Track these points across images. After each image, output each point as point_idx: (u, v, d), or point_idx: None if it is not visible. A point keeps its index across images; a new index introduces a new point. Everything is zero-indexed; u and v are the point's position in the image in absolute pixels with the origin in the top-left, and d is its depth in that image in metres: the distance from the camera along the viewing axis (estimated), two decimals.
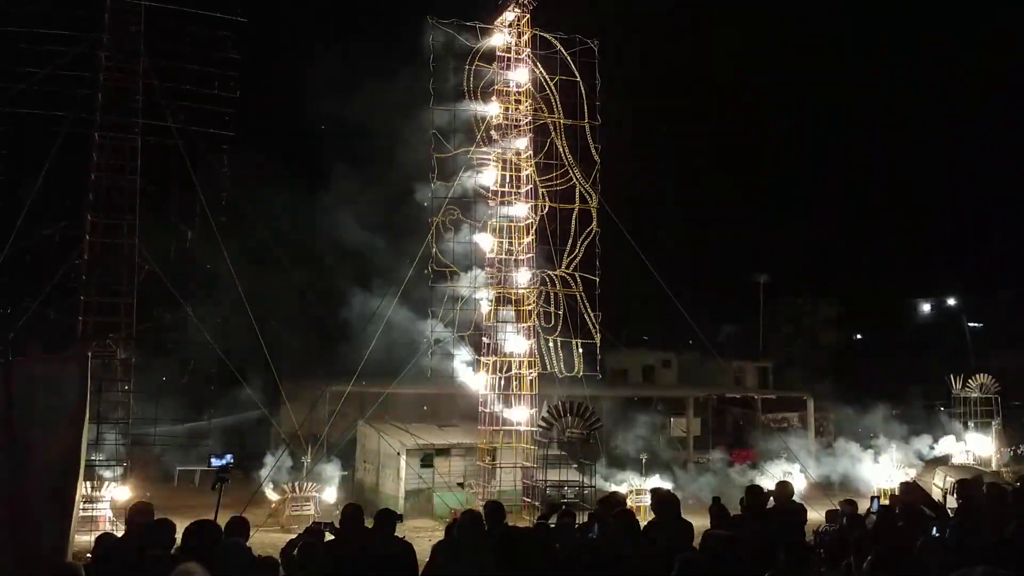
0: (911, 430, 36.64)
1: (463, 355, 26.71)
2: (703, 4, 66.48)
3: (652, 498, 9.10)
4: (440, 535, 8.54)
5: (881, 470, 29.85)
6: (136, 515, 8.14)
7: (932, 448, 35.92)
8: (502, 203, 26.58)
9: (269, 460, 25.55)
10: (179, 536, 7.18)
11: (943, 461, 32.58)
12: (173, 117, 24.41)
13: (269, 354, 23.87)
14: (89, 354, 9.66)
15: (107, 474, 22.93)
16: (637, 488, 25.79)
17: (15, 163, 25.53)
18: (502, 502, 9.64)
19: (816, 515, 12.82)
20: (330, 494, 25.07)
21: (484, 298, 26.53)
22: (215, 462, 16.59)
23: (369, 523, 8.23)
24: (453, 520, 10.75)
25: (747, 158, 64.54)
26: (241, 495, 24.12)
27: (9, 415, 7.00)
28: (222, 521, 7.43)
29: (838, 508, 12.68)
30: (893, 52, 71.44)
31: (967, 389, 36.48)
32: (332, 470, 26.52)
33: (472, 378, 26.71)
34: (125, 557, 7.15)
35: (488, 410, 25.96)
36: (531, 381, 26.21)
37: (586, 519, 11.04)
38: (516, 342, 26.31)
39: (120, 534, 10.10)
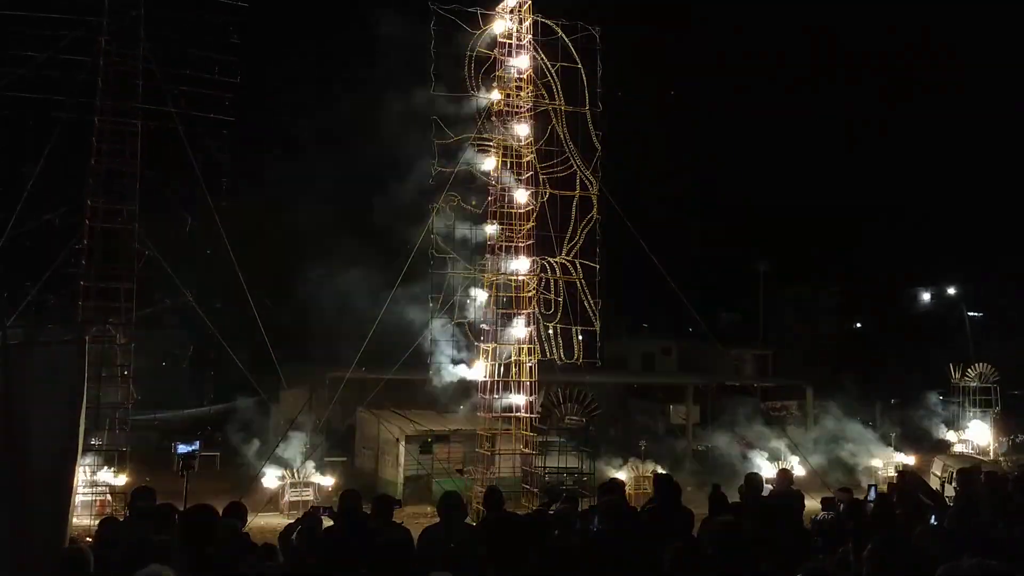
0: (910, 418, 36.70)
1: (462, 342, 26.70)
2: None
3: (656, 482, 9.14)
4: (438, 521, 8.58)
5: (879, 458, 29.91)
6: (139, 499, 8.18)
7: (931, 437, 36.00)
8: (503, 190, 26.52)
9: (269, 445, 25.61)
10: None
11: (942, 450, 32.64)
12: (173, 102, 24.35)
13: (268, 339, 23.90)
14: (87, 338, 9.66)
15: (106, 459, 23.00)
16: (636, 475, 25.88)
17: (15, 148, 25.49)
18: (501, 489, 9.67)
19: (814, 503, 12.85)
20: (328, 480, 25.16)
21: (484, 285, 26.49)
22: (181, 448, 16.63)
23: (367, 509, 8.26)
24: None
25: (747, 146, 64.38)
26: (241, 480, 24.25)
27: (6, 399, 6.99)
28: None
29: (834, 496, 12.72)
30: (896, 37, 71.23)
31: (966, 378, 36.51)
32: (331, 455, 26.58)
33: (471, 365, 26.71)
34: (130, 541, 7.18)
35: (487, 397, 25.98)
36: (530, 368, 26.22)
37: (587, 506, 11.07)
38: (515, 329, 26.30)
39: (121, 519, 10.13)
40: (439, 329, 26.10)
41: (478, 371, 26.28)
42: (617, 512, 8.03)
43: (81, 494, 19.99)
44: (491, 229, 26.52)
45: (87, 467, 21.47)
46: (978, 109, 64.38)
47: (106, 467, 22.83)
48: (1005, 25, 63.57)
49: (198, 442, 19.91)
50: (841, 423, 32.99)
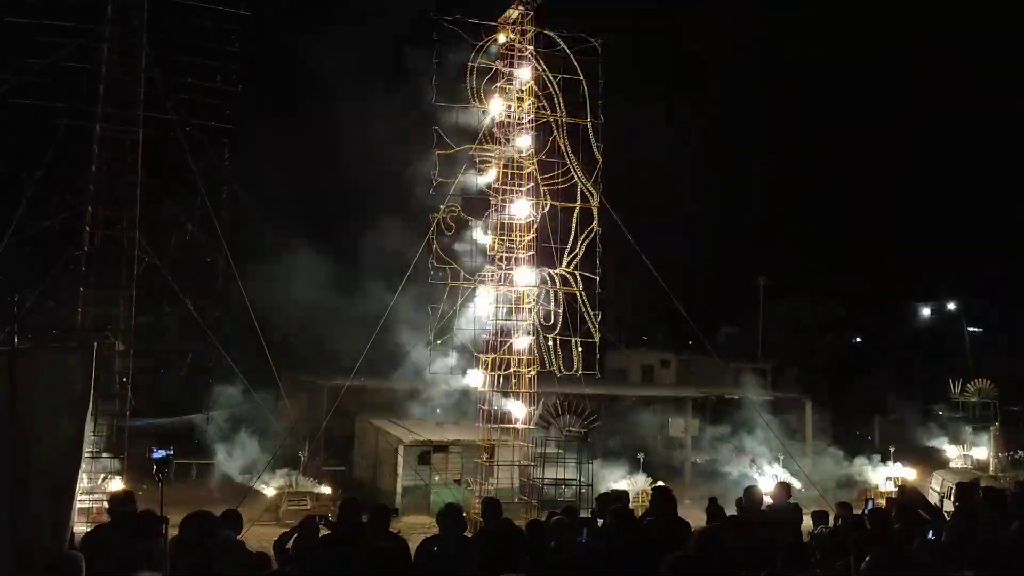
0: (909, 434, 36.64)
1: (462, 352, 26.69)
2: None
3: (654, 494, 9.13)
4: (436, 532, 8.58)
5: (878, 473, 29.83)
6: (118, 504, 8.10)
7: (930, 451, 35.93)
8: (503, 201, 26.53)
9: (266, 454, 25.53)
10: (176, 528, 7.18)
11: (941, 465, 32.57)
12: (175, 110, 24.41)
13: (267, 348, 23.87)
14: (95, 344, 9.66)
15: (103, 466, 22.90)
16: (635, 488, 25.78)
17: (16, 154, 25.51)
18: (499, 500, 9.65)
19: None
20: (326, 489, 25.11)
21: (484, 296, 26.47)
22: (156, 454, 16.58)
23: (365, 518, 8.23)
24: None
25: (748, 158, 64.49)
26: (238, 489, 24.18)
27: (12, 404, 6.98)
28: (178, 514, 7.33)
29: (827, 511, 12.70)
30: (899, 49, 71.40)
31: (966, 394, 36.47)
32: (329, 465, 26.51)
33: (470, 376, 26.69)
34: (114, 547, 7.13)
35: (487, 407, 25.95)
36: (530, 379, 26.19)
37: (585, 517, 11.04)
38: (515, 340, 26.28)
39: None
40: (438, 340, 26.07)
41: (477, 382, 26.25)
42: (615, 521, 8.00)
43: (79, 500, 19.92)
44: (491, 240, 26.52)
45: (85, 474, 21.39)
46: (980, 120, 64.53)
47: (103, 474, 22.74)
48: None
49: (171, 447, 19.87)
50: (840, 437, 32.92)
